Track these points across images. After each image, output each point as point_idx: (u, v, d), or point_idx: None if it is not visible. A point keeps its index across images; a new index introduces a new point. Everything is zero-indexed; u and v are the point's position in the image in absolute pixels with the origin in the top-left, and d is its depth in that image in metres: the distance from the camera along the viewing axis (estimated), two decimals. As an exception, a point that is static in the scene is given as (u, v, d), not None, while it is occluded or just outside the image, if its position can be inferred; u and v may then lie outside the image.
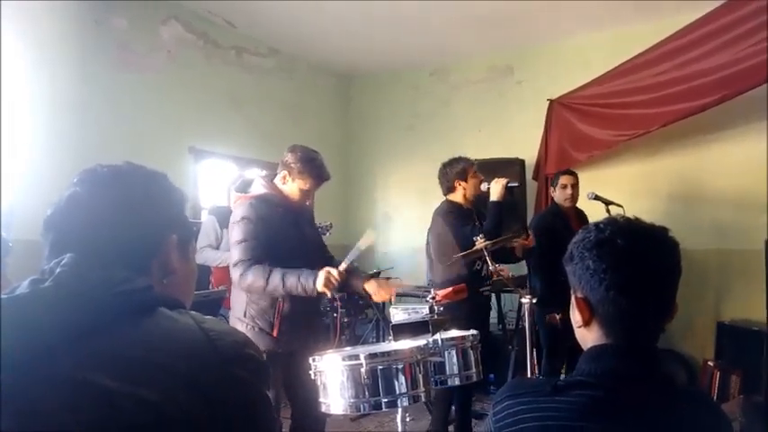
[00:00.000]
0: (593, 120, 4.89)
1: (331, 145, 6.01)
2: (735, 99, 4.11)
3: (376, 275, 3.33)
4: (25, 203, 3.34)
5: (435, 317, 2.36)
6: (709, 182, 4.76)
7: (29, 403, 0.69)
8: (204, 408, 0.75)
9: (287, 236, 2.56)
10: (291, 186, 2.61)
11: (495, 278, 2.98)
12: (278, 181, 2.63)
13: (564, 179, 3.95)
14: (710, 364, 4.34)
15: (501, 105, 5.73)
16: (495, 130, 5.68)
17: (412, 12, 4.80)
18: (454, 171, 3.40)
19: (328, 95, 6.44)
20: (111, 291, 0.79)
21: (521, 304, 3.82)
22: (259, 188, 2.62)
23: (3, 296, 0.74)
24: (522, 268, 3.98)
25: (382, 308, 4.52)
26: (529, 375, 2.82)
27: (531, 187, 5.22)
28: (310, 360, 2.07)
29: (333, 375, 2.01)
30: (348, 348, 2.42)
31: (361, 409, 2.04)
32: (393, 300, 2.70)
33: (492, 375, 4.35)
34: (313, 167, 2.59)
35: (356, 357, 1.97)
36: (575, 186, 3.92)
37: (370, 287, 2.62)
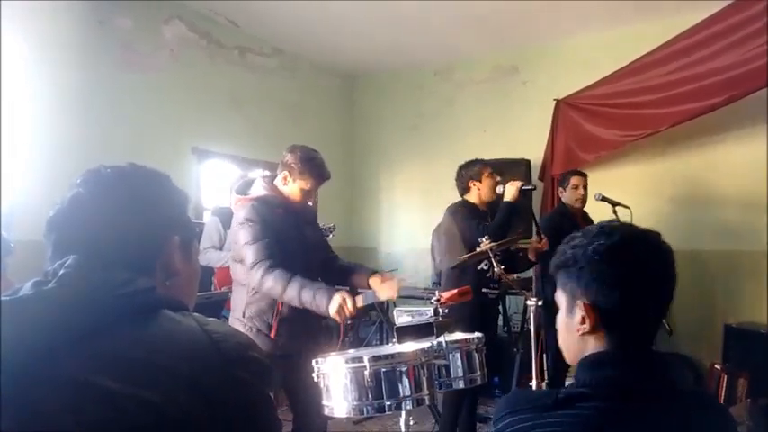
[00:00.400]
0: (600, 120, 4.86)
1: (334, 145, 6.00)
2: (741, 100, 4.08)
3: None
4: (26, 204, 3.33)
5: (440, 319, 2.34)
6: (715, 183, 4.73)
7: (30, 404, 0.69)
8: (206, 409, 0.75)
9: (287, 237, 2.54)
10: (292, 187, 2.59)
11: (501, 280, 2.96)
12: (279, 182, 2.62)
13: (575, 180, 3.95)
14: (717, 367, 4.30)
15: (506, 105, 5.71)
16: (499, 131, 5.65)
17: (416, 11, 4.79)
18: (469, 172, 3.43)
19: (332, 95, 6.43)
20: (114, 292, 0.79)
21: (526, 306, 3.79)
22: (259, 190, 2.61)
23: (5, 297, 0.74)
24: (527, 271, 3.95)
25: (386, 310, 4.49)
26: (534, 379, 2.79)
27: (537, 188, 5.19)
28: (313, 362, 2.05)
29: (336, 378, 1.99)
30: (351, 351, 2.39)
31: (365, 411, 2.01)
32: (396, 296, 2.66)
33: (497, 378, 4.32)
34: (313, 167, 2.57)
35: (360, 360, 1.95)
36: (585, 187, 3.93)
37: (374, 282, 2.59)
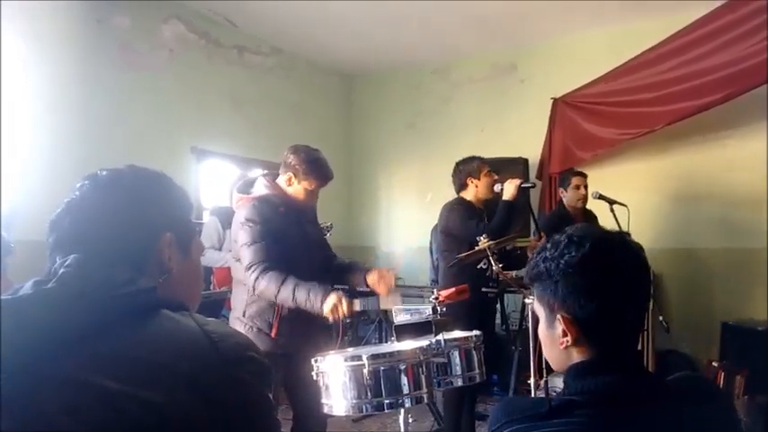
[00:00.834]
0: (598, 118, 4.87)
1: (333, 144, 5.99)
2: (740, 97, 4.09)
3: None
4: (26, 204, 3.33)
5: (438, 317, 2.34)
6: (714, 180, 4.73)
7: (31, 404, 0.69)
8: (206, 409, 0.75)
9: (289, 236, 2.55)
10: (297, 188, 2.61)
11: (499, 278, 2.96)
12: (283, 182, 2.63)
13: (576, 180, 3.97)
14: (715, 364, 4.31)
15: (503, 104, 5.70)
16: (497, 129, 5.65)
17: (413, 10, 4.79)
18: (467, 169, 3.39)
19: (330, 94, 6.43)
20: (114, 292, 0.79)
21: (524, 304, 3.80)
22: (261, 189, 2.61)
23: (5, 297, 0.74)
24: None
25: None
26: (532, 376, 2.80)
27: (536, 186, 5.20)
28: (312, 361, 2.06)
29: (335, 376, 1.99)
30: (351, 349, 2.40)
31: (364, 410, 2.02)
32: (394, 286, 2.68)
33: (495, 376, 4.33)
34: (318, 168, 2.59)
35: (359, 358, 1.96)
36: (587, 187, 3.96)
37: (372, 279, 2.61)
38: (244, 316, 2.54)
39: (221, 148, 5.05)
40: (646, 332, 4.27)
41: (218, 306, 3.58)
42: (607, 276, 0.99)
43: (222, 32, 5.09)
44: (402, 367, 1.97)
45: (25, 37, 3.70)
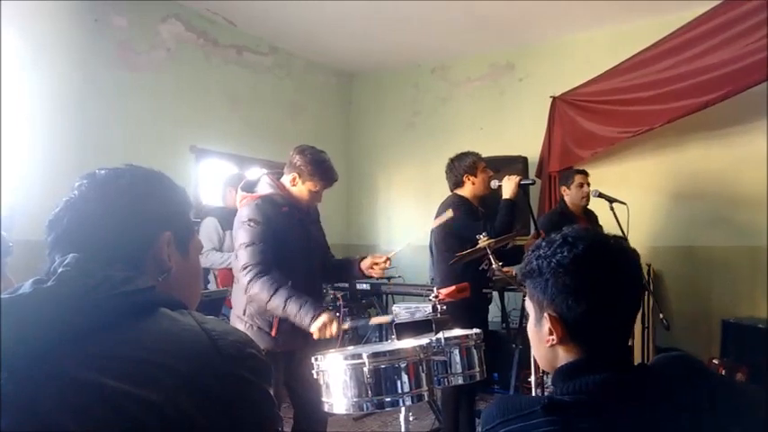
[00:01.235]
0: (597, 117, 4.87)
1: (331, 143, 5.97)
2: (740, 95, 4.08)
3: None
4: (25, 203, 3.33)
5: (438, 315, 2.34)
6: (714, 178, 4.73)
7: (30, 403, 0.69)
8: (206, 407, 0.75)
9: (292, 236, 2.56)
10: (301, 188, 2.61)
11: (495, 275, 2.95)
12: (287, 182, 2.63)
13: (580, 178, 3.99)
14: (715, 362, 4.32)
15: (502, 103, 5.70)
16: (496, 128, 5.65)
17: (412, 10, 4.78)
18: (463, 165, 3.31)
19: (328, 94, 6.42)
20: (113, 291, 0.79)
21: (524, 302, 3.79)
22: (265, 188, 2.61)
23: (5, 296, 0.74)
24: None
25: (385, 306, 4.50)
26: (533, 374, 2.79)
27: (536, 183, 5.20)
28: (312, 359, 2.06)
29: (335, 375, 1.99)
30: (351, 347, 2.40)
31: (364, 408, 2.02)
32: (389, 265, 2.73)
33: (496, 374, 4.33)
34: (323, 169, 2.59)
35: (359, 356, 1.95)
36: (589, 185, 3.97)
37: (365, 263, 2.68)
38: (244, 314, 2.55)
39: (220, 148, 5.04)
40: (646, 330, 4.28)
41: (217, 305, 3.57)
42: (597, 280, 0.99)
43: (221, 32, 5.09)
44: (402, 365, 1.97)
45: (24, 37, 3.69)
